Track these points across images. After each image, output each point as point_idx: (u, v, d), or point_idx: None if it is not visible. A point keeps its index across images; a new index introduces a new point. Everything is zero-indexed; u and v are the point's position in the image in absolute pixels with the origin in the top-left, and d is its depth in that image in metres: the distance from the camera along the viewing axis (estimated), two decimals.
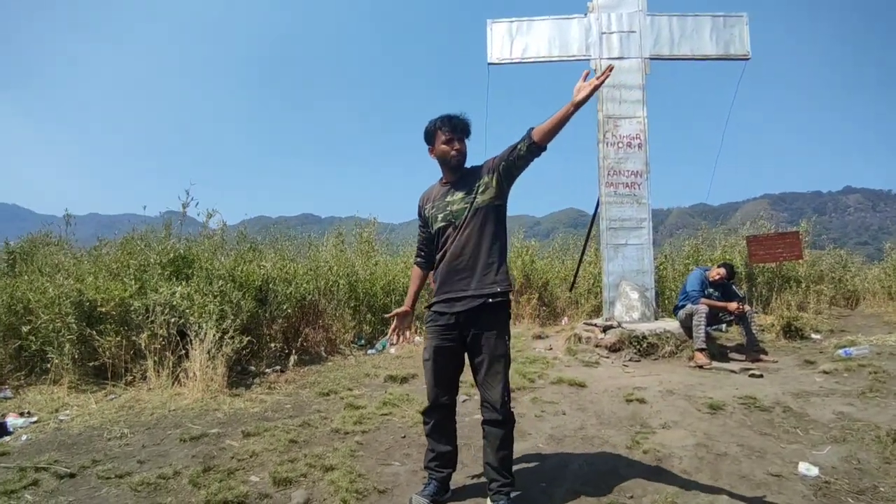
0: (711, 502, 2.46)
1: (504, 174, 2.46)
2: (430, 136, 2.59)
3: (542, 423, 3.56)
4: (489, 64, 6.68)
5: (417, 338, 6.24)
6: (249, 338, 5.05)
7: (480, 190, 2.49)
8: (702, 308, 5.19)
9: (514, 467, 2.60)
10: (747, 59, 6.69)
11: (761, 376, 4.52)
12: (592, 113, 6.59)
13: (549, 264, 9.47)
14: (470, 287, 2.44)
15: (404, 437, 3.40)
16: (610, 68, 2.22)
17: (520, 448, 3.11)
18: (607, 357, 5.51)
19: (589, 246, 7.98)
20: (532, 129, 2.37)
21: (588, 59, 6.60)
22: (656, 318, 6.31)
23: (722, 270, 5.57)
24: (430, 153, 2.64)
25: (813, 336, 6.17)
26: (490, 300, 2.42)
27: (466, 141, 2.58)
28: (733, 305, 5.31)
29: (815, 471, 2.77)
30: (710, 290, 5.56)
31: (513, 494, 2.40)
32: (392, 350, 6.31)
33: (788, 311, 6.54)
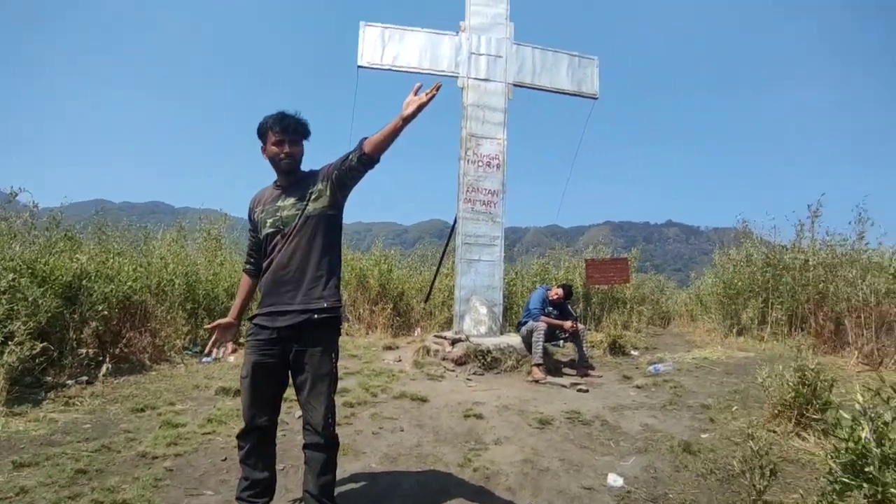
0: None
1: (337, 184, 2.34)
2: (261, 135, 2.40)
3: (378, 441, 3.46)
4: (359, 67, 6.53)
5: None
6: (45, 343, 4.26)
7: (313, 197, 2.34)
8: (541, 325, 5.54)
9: (344, 488, 2.47)
10: (596, 98, 7.38)
11: (587, 391, 4.93)
12: (457, 129, 6.76)
13: (407, 274, 9.51)
14: (295, 301, 2.27)
15: (224, 459, 3.08)
16: (438, 86, 2.18)
17: (352, 468, 2.99)
18: (453, 370, 5.62)
19: (446, 259, 8.14)
20: (365, 139, 2.28)
21: (456, 77, 6.77)
22: (502, 333, 6.62)
23: (560, 291, 6.02)
24: (262, 152, 2.43)
25: (632, 353, 6.94)
26: (315, 316, 2.27)
27: (304, 143, 2.42)
28: (568, 324, 5.76)
29: (620, 481, 3.03)
30: (550, 308, 5.97)
31: None
32: (231, 358, 5.78)
33: (615, 329, 7.28)
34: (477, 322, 6.42)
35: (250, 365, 2.30)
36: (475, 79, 6.80)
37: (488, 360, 5.74)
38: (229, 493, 2.64)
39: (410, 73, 6.70)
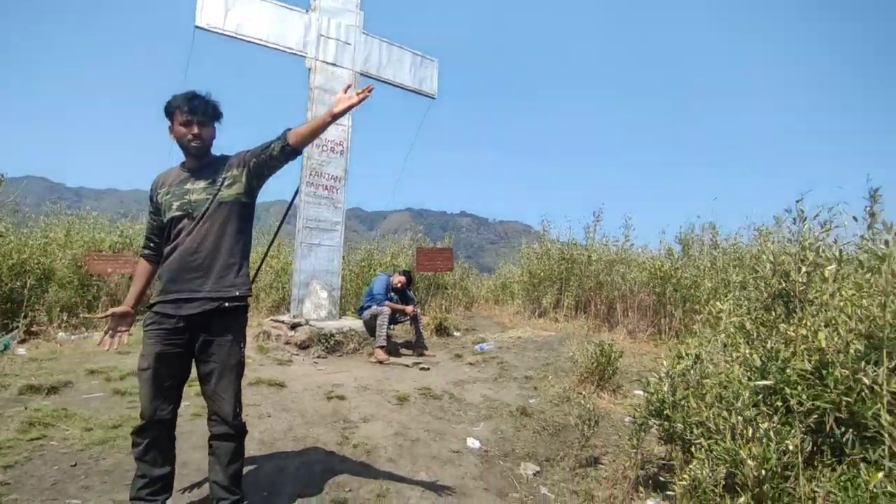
0: (416, 481, 2.90)
1: (254, 171, 2.34)
2: (169, 114, 2.28)
3: (249, 428, 3.40)
4: (196, 27, 5.90)
5: (62, 334, 4.92)
6: None
7: (227, 183, 2.30)
8: (386, 310, 5.87)
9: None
10: (434, 98, 7.92)
11: (429, 369, 5.43)
12: (303, 111, 6.61)
13: None
14: (204, 288, 2.21)
15: (75, 465, 2.73)
16: (369, 88, 2.28)
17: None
18: (297, 354, 5.60)
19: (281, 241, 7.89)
20: (288, 130, 2.32)
21: (304, 57, 6.61)
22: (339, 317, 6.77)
23: (403, 278, 6.44)
24: (169, 132, 2.30)
25: (455, 333, 7.72)
26: (227, 304, 2.25)
27: (216, 125, 2.34)
28: (410, 309, 6.20)
29: (477, 444, 3.56)
30: (392, 294, 6.33)
31: None
32: (22, 350, 4.82)
33: (440, 313, 7.98)
34: (317, 306, 6.44)
35: (153, 356, 2.17)
36: (323, 62, 6.73)
37: (331, 343, 5.86)
38: (101, 498, 2.41)
39: (256, 43, 6.31)
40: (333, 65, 6.83)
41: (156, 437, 2.22)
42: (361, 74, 7.10)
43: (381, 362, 5.56)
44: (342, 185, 6.91)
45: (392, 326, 6.94)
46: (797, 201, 3.75)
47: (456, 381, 5.00)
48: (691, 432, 2.63)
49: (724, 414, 2.43)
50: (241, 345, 2.34)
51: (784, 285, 3.40)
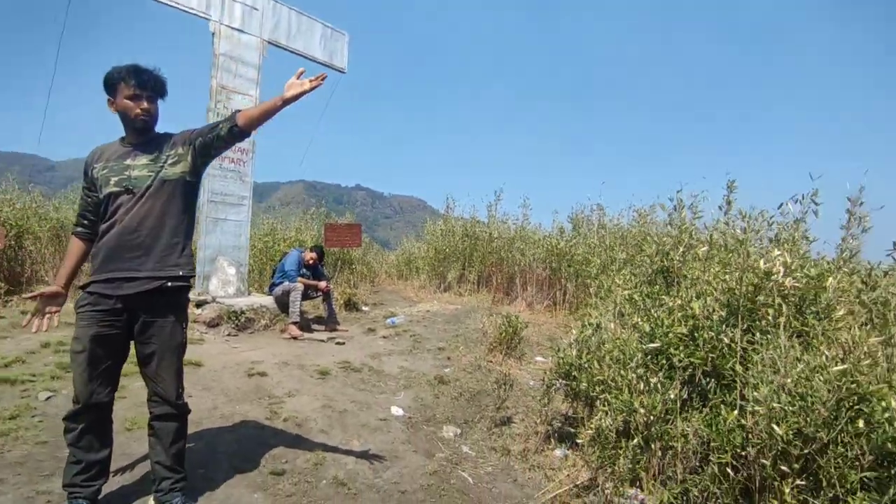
0: (349, 449, 3.08)
1: (200, 150, 2.32)
2: (110, 87, 2.20)
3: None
4: None
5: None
6: None
7: (171, 161, 2.26)
8: (299, 286, 5.84)
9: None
10: (344, 72, 7.80)
11: (344, 343, 5.54)
12: (207, 77, 6.23)
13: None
14: (145, 267, 2.17)
15: None
16: (322, 77, 2.29)
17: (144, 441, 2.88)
18: (207, 333, 5.42)
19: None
20: (238, 112, 2.33)
21: (207, 20, 6.18)
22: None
23: (314, 254, 6.40)
24: (108, 105, 2.22)
25: (364, 308, 7.84)
26: (169, 283, 2.23)
27: (160, 102, 2.28)
28: (323, 284, 6.21)
29: (400, 411, 3.81)
30: (304, 270, 6.29)
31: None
32: None
33: (348, 288, 8.04)
34: (225, 283, 6.21)
35: (88, 338, 2.10)
36: (229, 27, 6.34)
37: (242, 320, 5.73)
38: (18, 491, 2.31)
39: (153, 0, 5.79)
40: (240, 31, 6.46)
41: (92, 421, 2.17)
42: (270, 43, 6.79)
43: (294, 338, 5.55)
44: (250, 158, 6.65)
45: (303, 302, 6.92)
46: (677, 192, 4.39)
47: (373, 354, 5.17)
48: (594, 390, 3.09)
49: (622, 372, 2.89)
50: (184, 325, 2.33)
51: (664, 263, 4.00)
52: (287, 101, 2.26)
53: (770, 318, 2.80)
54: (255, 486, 2.63)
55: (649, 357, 2.97)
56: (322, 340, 5.60)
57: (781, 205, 3.71)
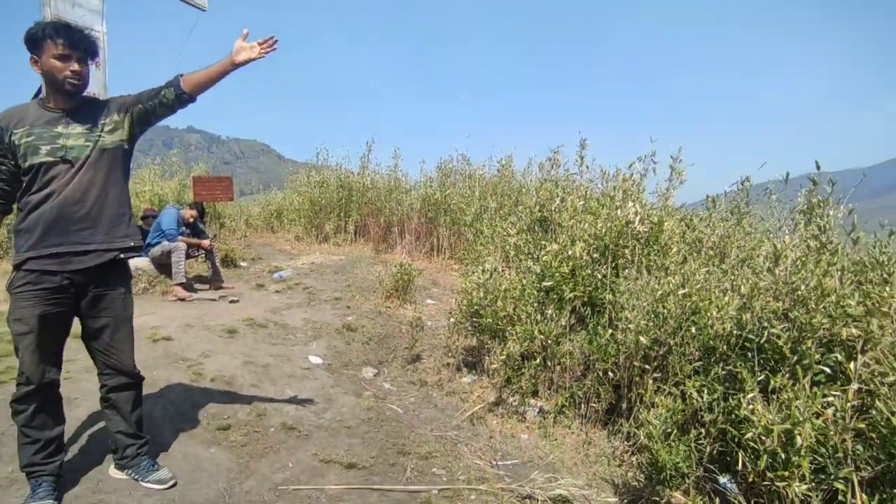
0: (285, 398, 3.31)
1: (138, 118, 2.26)
2: (34, 44, 2.04)
3: (79, 385, 3.18)
4: None
5: None
6: None
7: (108, 128, 2.19)
8: (181, 245, 5.54)
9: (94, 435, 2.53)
10: (204, 9, 7.08)
11: (238, 301, 5.47)
12: (38, 6, 5.29)
13: None
14: (94, 239, 2.13)
15: None
16: (273, 41, 2.24)
17: (77, 415, 2.82)
18: None
19: None
20: (181, 76, 2.28)
21: None
22: None
23: (194, 212, 6.04)
24: (32, 64, 2.06)
25: (242, 264, 7.61)
26: (122, 255, 2.23)
27: (91, 65, 2.16)
28: (206, 243, 5.93)
29: (319, 360, 4.07)
30: (184, 228, 5.92)
31: None
32: None
33: (223, 244, 7.70)
34: None
35: (35, 318, 2.04)
36: None
37: None
38: None
39: None
40: None
41: (44, 401, 2.13)
42: None
43: (182, 300, 5.34)
44: None
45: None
46: (554, 151, 5.07)
47: (272, 309, 5.23)
48: (498, 323, 3.67)
49: (523, 307, 3.50)
50: (131, 294, 2.34)
51: (543, 213, 4.69)
52: (237, 65, 2.24)
53: (628, 255, 3.61)
54: (207, 441, 2.76)
55: (542, 293, 3.62)
56: (213, 300, 5.46)
57: (632, 164, 4.56)
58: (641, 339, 2.93)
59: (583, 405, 3.33)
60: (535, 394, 3.47)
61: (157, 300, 5.41)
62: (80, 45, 2.03)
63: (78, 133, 2.09)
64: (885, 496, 1.97)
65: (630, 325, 2.98)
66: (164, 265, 5.61)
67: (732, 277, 3.10)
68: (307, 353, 4.14)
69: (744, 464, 2.30)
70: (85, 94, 2.19)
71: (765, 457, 2.13)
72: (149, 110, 2.23)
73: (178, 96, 2.23)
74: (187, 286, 5.66)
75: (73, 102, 2.12)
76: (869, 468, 2.04)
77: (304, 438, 2.90)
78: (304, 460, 2.69)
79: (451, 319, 4.09)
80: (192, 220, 6.04)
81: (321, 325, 4.84)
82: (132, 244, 2.24)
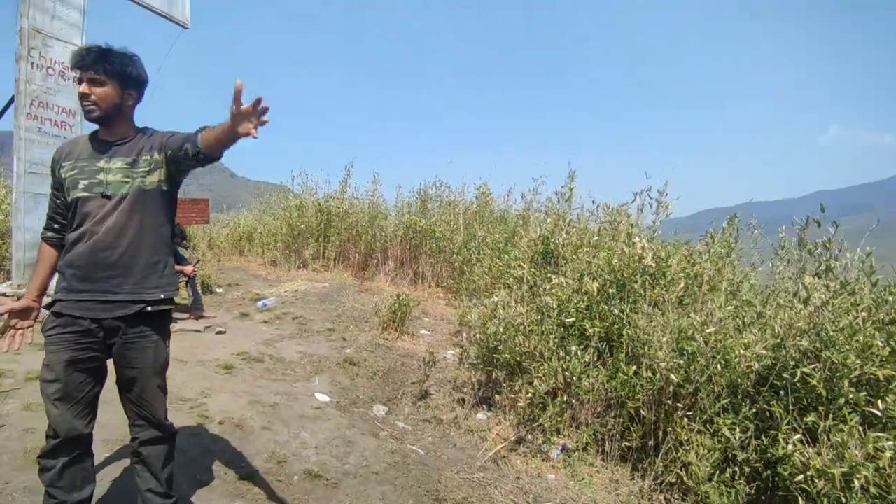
0: (303, 443, 3.12)
1: (171, 162, 1.99)
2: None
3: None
4: None
5: None
6: None
7: (147, 168, 1.98)
8: None
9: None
10: (186, 27, 6.86)
11: (225, 332, 5.19)
12: (16, 14, 4.98)
13: None
14: (122, 289, 1.92)
15: None
16: (265, 109, 1.71)
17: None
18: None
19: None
20: (203, 129, 1.93)
21: None
22: None
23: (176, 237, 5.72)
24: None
25: (217, 290, 7.26)
26: (150, 308, 1.99)
27: (128, 87, 1.96)
28: (189, 269, 5.61)
29: (326, 397, 3.89)
30: None
31: None
32: None
33: (202, 269, 7.33)
34: None
35: (62, 365, 1.83)
36: None
37: None
38: None
39: None
40: None
41: (73, 456, 1.91)
42: None
43: None
44: (78, 122, 5.52)
45: None
46: (561, 187, 5.11)
47: (263, 341, 4.99)
48: (517, 359, 3.62)
49: (545, 343, 3.47)
50: (167, 342, 2.14)
51: (547, 246, 4.71)
52: (237, 136, 1.79)
53: (639, 290, 3.66)
54: (229, 494, 2.56)
55: (562, 329, 3.61)
56: (198, 331, 5.16)
57: (634, 198, 4.67)
58: (672, 376, 2.95)
59: (607, 443, 3.31)
60: (557, 431, 3.43)
61: None
62: (86, 63, 1.83)
63: (117, 168, 1.91)
64: None
65: (661, 363, 3.00)
66: None
67: (751, 315, 3.19)
68: (312, 391, 3.95)
69: None
70: (141, 125, 2.02)
71: (824, 500, 2.16)
72: (178, 159, 2.01)
73: (196, 154, 1.94)
74: None
75: (117, 134, 1.95)
76: None
77: (332, 487, 2.73)
78: None
79: (465, 354, 4.01)
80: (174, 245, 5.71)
81: (319, 359, 4.64)
82: (163, 296, 2.04)
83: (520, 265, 4.41)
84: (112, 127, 1.94)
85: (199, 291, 5.86)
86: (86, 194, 1.87)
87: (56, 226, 1.94)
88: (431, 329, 5.85)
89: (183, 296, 5.82)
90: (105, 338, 1.93)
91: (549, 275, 4.28)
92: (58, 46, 5.30)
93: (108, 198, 1.89)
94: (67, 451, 1.88)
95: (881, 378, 2.47)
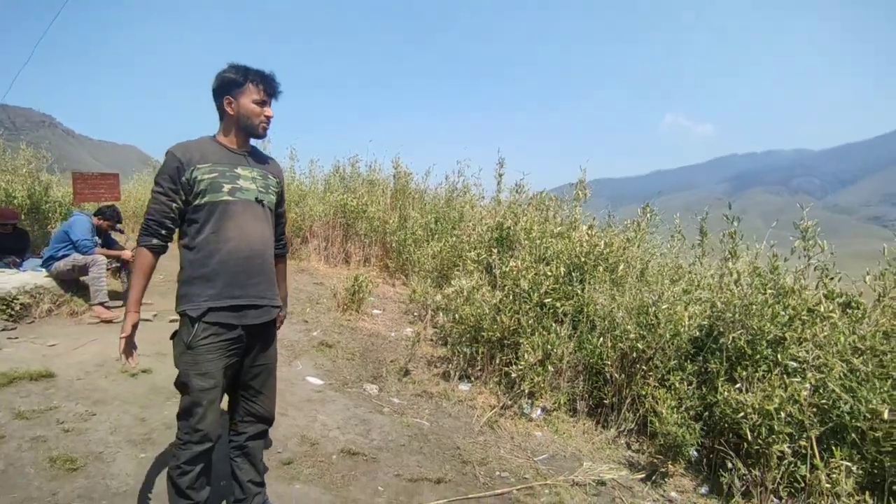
0: (325, 425, 3.32)
1: (271, 204, 2.16)
2: (233, 87, 2.00)
3: (74, 435, 2.79)
4: None
5: None
6: None
7: (275, 189, 2.17)
8: (101, 259, 4.79)
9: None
10: None
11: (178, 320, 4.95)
12: None
13: None
14: (267, 294, 2.09)
15: None
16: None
17: (79, 484, 2.54)
18: None
19: None
20: (286, 249, 2.40)
21: None
22: None
23: (105, 221, 5.21)
24: (225, 105, 2.01)
25: None
26: (280, 313, 2.25)
27: None
28: (128, 253, 5.17)
29: (319, 381, 4.05)
30: (96, 237, 5.09)
31: None
32: None
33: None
34: None
35: (220, 371, 1.95)
36: None
37: (17, 308, 4.43)
38: None
39: None
40: None
41: (209, 459, 2.01)
42: None
43: (108, 321, 4.66)
44: None
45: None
46: (520, 180, 5.59)
47: None
48: (500, 336, 4.10)
49: (526, 321, 3.99)
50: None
51: (501, 233, 5.22)
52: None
53: (593, 270, 4.34)
54: (283, 478, 2.72)
55: (537, 307, 4.15)
56: (148, 320, 4.86)
57: (576, 191, 5.34)
58: (639, 344, 3.65)
59: (578, 402, 3.96)
60: (535, 395, 3.99)
61: (70, 323, 4.65)
62: (275, 91, 2.04)
63: (253, 177, 2.04)
64: (825, 447, 2.93)
65: (630, 335, 3.68)
66: (67, 282, 4.82)
67: (696, 294, 4.00)
68: (301, 375, 4.07)
69: (740, 436, 3.13)
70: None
71: (763, 429, 2.97)
72: (273, 208, 2.19)
73: (278, 238, 2.27)
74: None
75: (249, 146, 2.09)
76: (820, 428, 3.00)
77: (372, 461, 3.00)
78: (391, 482, 2.82)
79: (444, 332, 4.39)
80: (107, 227, 5.23)
81: (290, 343, 4.70)
82: (279, 302, 2.20)
83: (478, 252, 4.83)
84: (257, 139, 2.09)
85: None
86: (231, 199, 1.95)
87: (164, 232, 1.95)
88: (381, 308, 6.11)
89: (113, 284, 5.37)
90: (246, 344, 2.03)
91: (506, 258, 4.79)
92: None
93: (261, 204, 2.01)
94: (208, 455, 1.98)
95: (787, 338, 3.36)
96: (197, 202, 1.92)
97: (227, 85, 1.96)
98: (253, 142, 2.11)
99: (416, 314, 5.90)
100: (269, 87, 2.00)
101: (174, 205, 1.92)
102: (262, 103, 2.00)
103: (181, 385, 1.95)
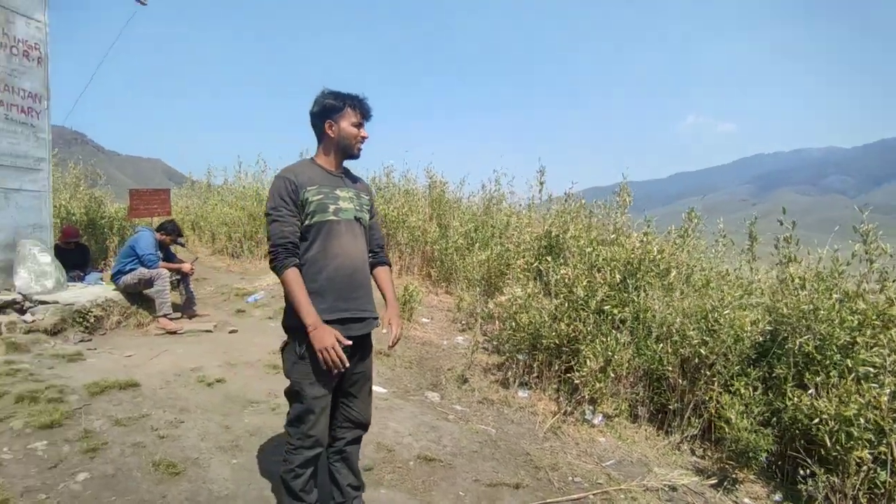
0: (397, 432, 3.40)
1: (364, 220, 2.26)
2: (334, 112, 2.12)
3: (163, 448, 2.92)
4: None
5: None
6: None
7: (365, 206, 2.27)
8: (165, 273, 5.00)
9: None
10: (145, 4, 6.37)
11: (237, 331, 5.12)
12: None
13: None
14: (368, 307, 2.19)
15: None
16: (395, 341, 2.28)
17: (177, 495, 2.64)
18: (51, 342, 4.24)
19: None
20: (385, 259, 2.39)
21: None
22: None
23: (167, 235, 5.44)
24: (327, 128, 2.13)
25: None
26: (378, 323, 2.29)
27: None
28: (187, 266, 5.38)
29: (383, 389, 4.14)
30: (159, 252, 5.31)
31: None
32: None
33: None
34: (39, 274, 4.75)
35: (332, 381, 2.06)
36: None
37: (91, 320, 4.64)
38: None
39: None
40: None
41: (317, 464, 2.12)
42: None
43: (173, 332, 4.84)
44: (44, 109, 5.05)
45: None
46: (568, 190, 5.64)
47: (284, 337, 5.01)
48: (558, 343, 4.15)
49: (584, 328, 4.03)
50: None
51: (550, 242, 5.27)
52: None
53: (651, 278, 4.35)
54: (370, 483, 2.79)
55: (597, 315, 4.19)
56: (209, 330, 5.04)
57: (619, 197, 5.36)
58: (702, 350, 3.66)
59: (639, 407, 3.98)
60: (594, 401, 4.02)
61: (138, 335, 4.84)
62: (370, 114, 2.17)
63: (349, 197, 2.14)
64: None
65: (694, 340, 3.69)
66: (133, 295, 5.02)
67: (756, 299, 3.99)
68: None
69: (812, 441, 3.11)
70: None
71: (842, 434, 2.95)
72: (366, 220, 2.28)
73: (376, 253, 2.34)
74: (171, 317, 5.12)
75: (343, 168, 2.21)
76: None
77: (449, 468, 3.07)
78: (471, 487, 2.89)
79: (499, 340, 4.45)
80: (169, 242, 5.45)
81: None
82: (377, 313, 2.28)
83: (526, 261, 4.89)
84: (349, 159, 2.20)
85: (193, 290, 5.65)
86: (334, 219, 2.06)
87: (298, 250, 2.04)
88: (430, 317, 6.19)
89: (173, 296, 5.57)
90: (349, 351, 2.12)
91: (557, 266, 4.83)
92: (20, 22, 4.82)
93: (359, 222, 2.13)
94: (317, 459, 2.09)
95: (859, 343, 3.34)
96: (308, 222, 2.03)
97: (328, 110, 2.08)
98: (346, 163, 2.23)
99: (464, 322, 5.97)
100: (364, 110, 2.13)
101: (297, 225, 2.03)
102: (359, 125, 2.12)
103: (293, 394, 2.06)
